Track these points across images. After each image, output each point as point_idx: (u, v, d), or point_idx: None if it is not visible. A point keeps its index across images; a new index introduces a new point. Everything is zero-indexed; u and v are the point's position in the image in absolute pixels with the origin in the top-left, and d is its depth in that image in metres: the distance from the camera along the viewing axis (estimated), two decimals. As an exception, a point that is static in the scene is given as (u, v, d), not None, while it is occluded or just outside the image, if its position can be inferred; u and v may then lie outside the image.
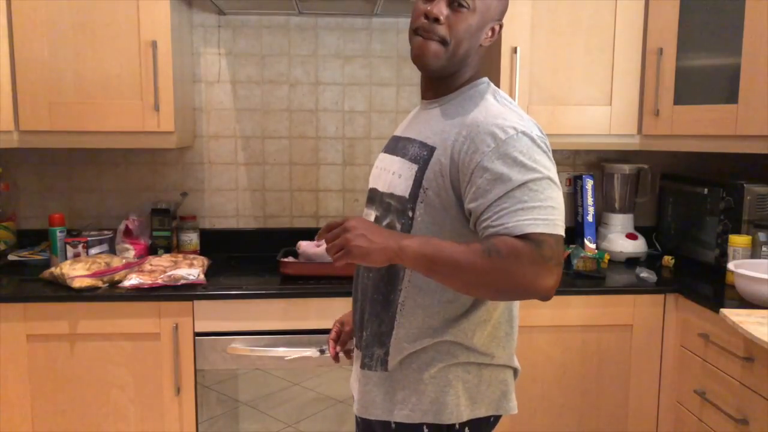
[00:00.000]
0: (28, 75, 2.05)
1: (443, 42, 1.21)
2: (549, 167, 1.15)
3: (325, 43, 2.51)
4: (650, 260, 2.44)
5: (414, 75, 2.54)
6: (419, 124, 1.31)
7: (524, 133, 1.14)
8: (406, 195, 1.23)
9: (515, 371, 1.34)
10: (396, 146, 1.34)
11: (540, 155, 1.14)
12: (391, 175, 1.29)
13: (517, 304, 1.32)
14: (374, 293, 1.29)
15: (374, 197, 1.34)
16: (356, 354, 1.39)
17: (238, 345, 1.95)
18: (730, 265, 1.94)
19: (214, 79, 2.49)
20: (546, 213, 1.10)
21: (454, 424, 1.24)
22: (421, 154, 1.23)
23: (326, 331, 1.94)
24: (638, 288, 2.07)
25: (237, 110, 2.51)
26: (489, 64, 2.33)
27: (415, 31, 1.24)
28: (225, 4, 2.32)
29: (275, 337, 1.97)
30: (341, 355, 1.51)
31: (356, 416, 1.37)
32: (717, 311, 1.76)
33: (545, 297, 1.11)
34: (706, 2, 2.13)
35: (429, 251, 1.10)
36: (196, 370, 1.97)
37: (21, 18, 2.03)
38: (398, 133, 1.39)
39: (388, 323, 1.26)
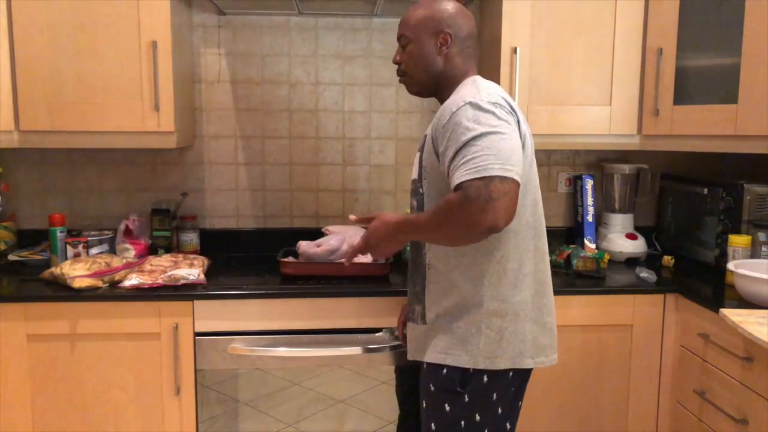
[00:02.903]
0: (29, 75, 2.06)
1: (405, 74, 1.59)
2: (494, 124, 1.33)
3: (325, 43, 2.51)
4: (650, 260, 2.44)
5: (414, 75, 2.54)
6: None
7: (470, 104, 1.36)
8: (417, 176, 1.54)
9: (548, 331, 1.52)
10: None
11: (485, 116, 1.34)
12: (413, 166, 1.59)
13: (540, 253, 1.51)
14: (410, 260, 1.63)
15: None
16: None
17: (238, 345, 1.95)
18: (730, 265, 1.95)
19: (214, 79, 2.49)
20: (477, 161, 1.29)
21: (468, 369, 1.45)
22: (422, 142, 1.54)
23: (326, 331, 1.98)
24: (638, 288, 2.07)
25: (237, 110, 2.51)
26: (489, 64, 2.33)
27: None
28: (225, 4, 2.32)
29: (275, 337, 1.97)
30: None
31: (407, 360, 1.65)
32: (717, 311, 1.76)
33: (490, 231, 1.29)
34: (706, 2, 2.13)
35: (403, 229, 1.47)
36: (196, 370, 1.97)
37: (21, 18, 2.03)
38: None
39: (420, 283, 1.56)
